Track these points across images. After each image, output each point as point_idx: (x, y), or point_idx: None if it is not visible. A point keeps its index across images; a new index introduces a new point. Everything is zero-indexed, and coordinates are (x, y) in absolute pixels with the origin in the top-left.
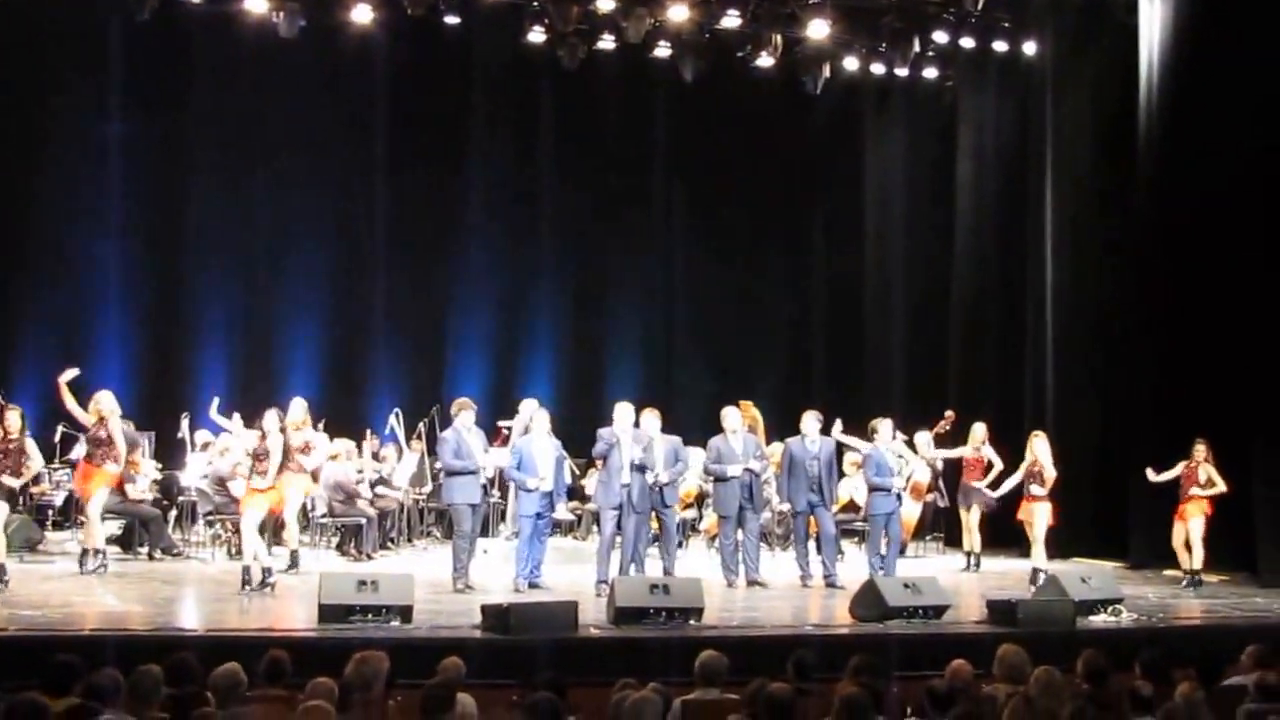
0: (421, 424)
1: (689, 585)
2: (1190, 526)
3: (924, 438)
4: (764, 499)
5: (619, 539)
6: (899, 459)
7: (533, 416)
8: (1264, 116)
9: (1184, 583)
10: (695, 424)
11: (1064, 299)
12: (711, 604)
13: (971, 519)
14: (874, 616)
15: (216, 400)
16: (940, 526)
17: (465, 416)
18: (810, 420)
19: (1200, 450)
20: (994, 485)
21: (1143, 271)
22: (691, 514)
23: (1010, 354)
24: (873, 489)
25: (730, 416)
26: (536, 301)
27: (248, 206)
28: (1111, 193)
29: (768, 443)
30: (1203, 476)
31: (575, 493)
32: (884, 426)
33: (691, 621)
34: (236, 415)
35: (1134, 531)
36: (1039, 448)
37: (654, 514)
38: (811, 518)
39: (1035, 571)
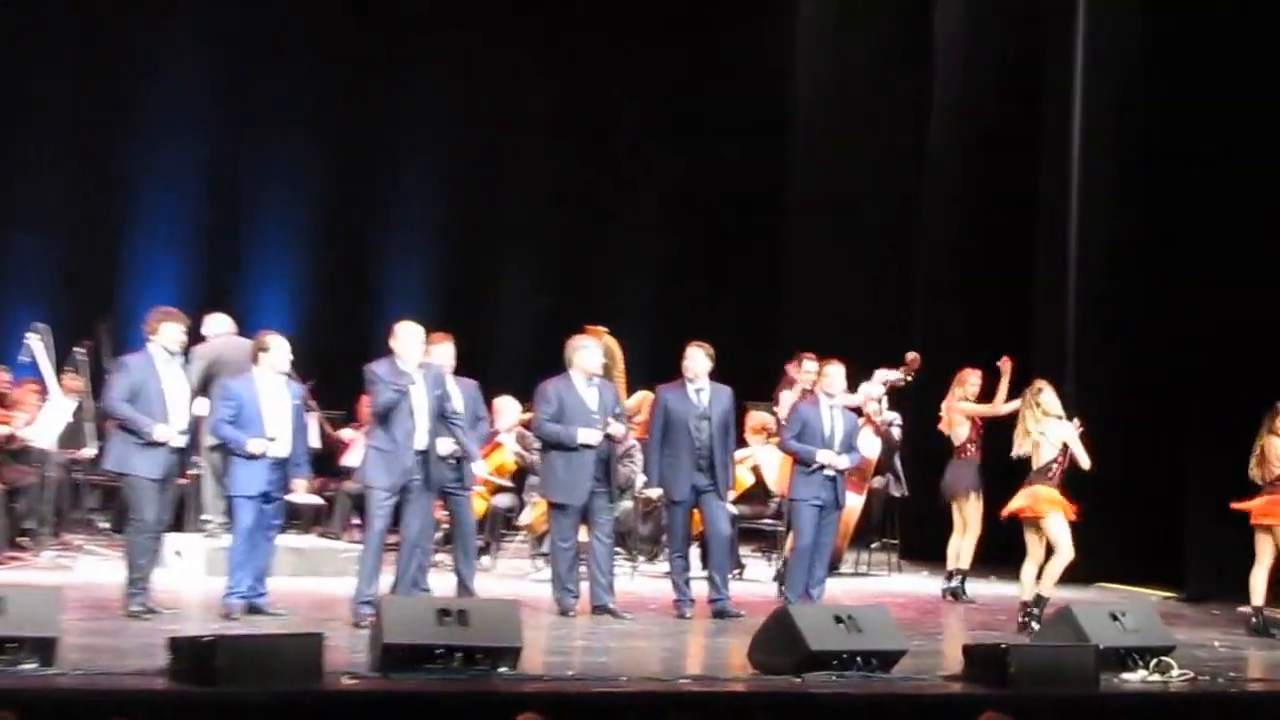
0: (80, 349)
1: (498, 612)
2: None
3: (873, 388)
4: (624, 480)
5: (397, 537)
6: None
7: (269, 345)
8: None
9: (1270, 623)
10: (512, 356)
11: (1094, 226)
12: (534, 641)
13: (969, 514)
14: (786, 666)
15: None
16: (894, 528)
17: (168, 332)
18: (698, 357)
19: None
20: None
21: (1212, 193)
22: (505, 500)
23: (1011, 289)
24: (795, 463)
25: (584, 351)
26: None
27: None
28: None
29: (629, 392)
30: None
31: (325, 464)
32: (835, 372)
33: (502, 669)
34: None
35: (1193, 548)
36: (1048, 402)
37: (440, 499)
38: (696, 510)
39: (1038, 600)
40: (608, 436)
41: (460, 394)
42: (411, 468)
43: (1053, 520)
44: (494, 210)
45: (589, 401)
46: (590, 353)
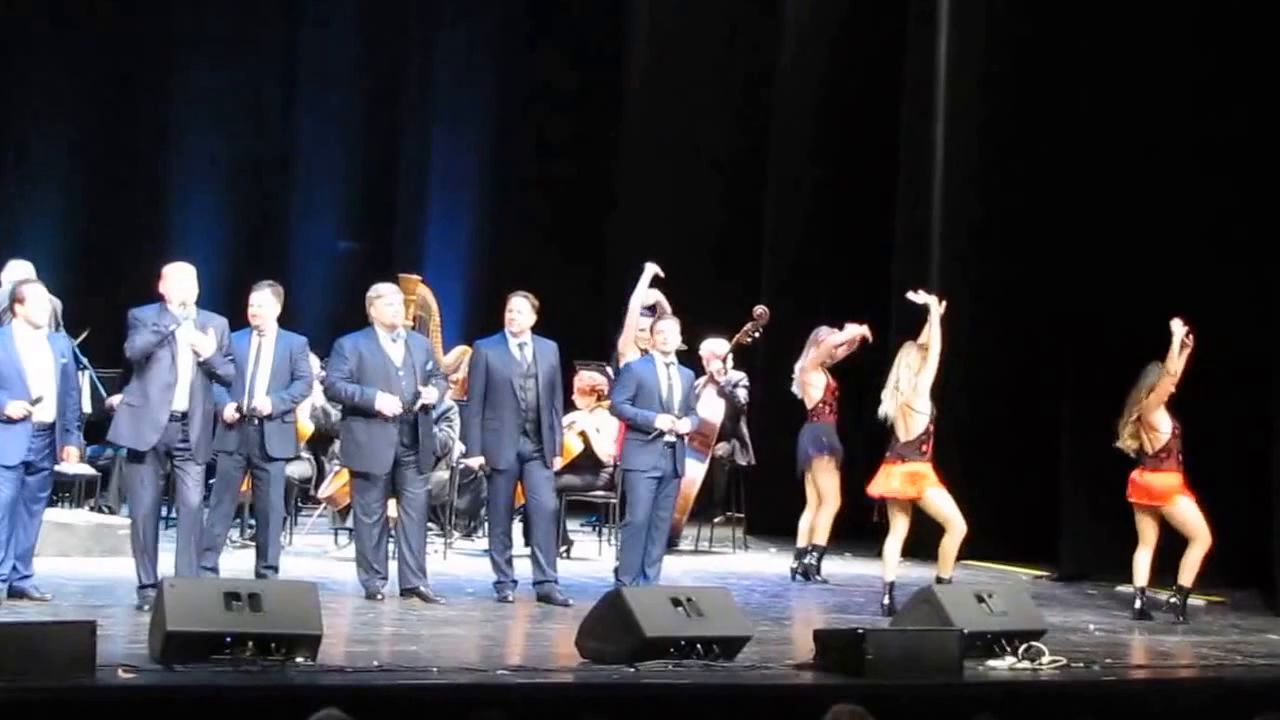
0: None
1: (295, 596)
2: (1171, 512)
3: (716, 345)
4: (440, 447)
5: (190, 510)
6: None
7: (25, 296)
8: None
9: (1151, 606)
10: (315, 307)
11: (961, 162)
12: (336, 628)
13: (824, 486)
14: (619, 654)
15: None
16: (739, 500)
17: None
18: (523, 308)
19: (1172, 364)
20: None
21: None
22: (300, 470)
23: (864, 232)
24: (628, 430)
25: (381, 302)
26: None
27: None
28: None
29: (444, 348)
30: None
31: (98, 429)
32: (670, 328)
33: (299, 659)
34: None
35: (1067, 523)
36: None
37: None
38: (520, 480)
39: (938, 582)
40: (421, 408)
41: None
42: (168, 428)
43: (932, 496)
44: (290, 144)
45: (394, 358)
46: (387, 302)
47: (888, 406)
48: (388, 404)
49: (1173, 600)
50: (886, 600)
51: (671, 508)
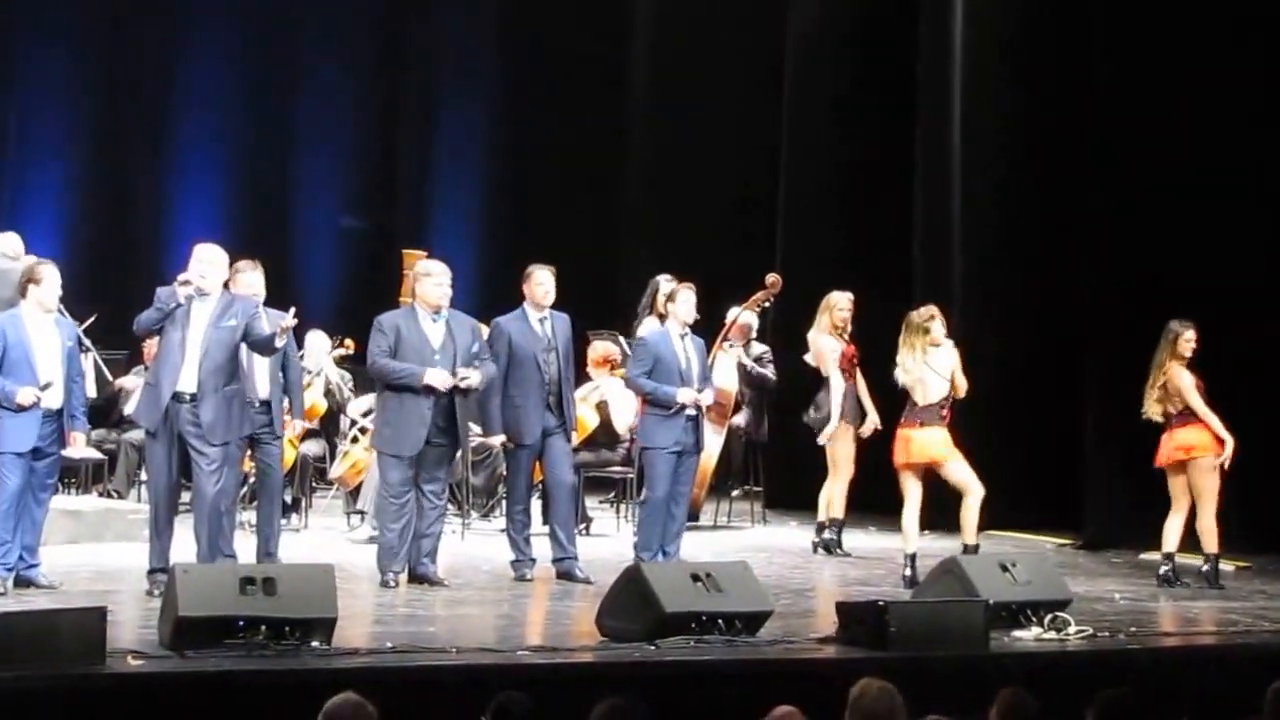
0: None
1: (310, 579)
2: (1196, 481)
3: (741, 314)
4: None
5: (204, 497)
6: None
7: (41, 277)
8: None
9: (1180, 573)
10: (319, 284)
11: (984, 123)
12: (351, 611)
13: (839, 454)
14: (639, 632)
15: None
16: (758, 472)
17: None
18: (547, 281)
19: (1186, 340)
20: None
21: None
22: (314, 447)
23: (886, 203)
24: (647, 405)
25: (433, 280)
26: None
27: None
28: None
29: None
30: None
31: (103, 413)
32: (687, 297)
33: (315, 643)
34: None
35: (1091, 491)
36: (938, 332)
37: (250, 448)
38: (538, 457)
39: (964, 551)
40: (460, 390)
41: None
42: (175, 410)
43: (952, 466)
44: (288, 116)
45: (432, 339)
46: (435, 281)
47: (909, 373)
48: (437, 378)
49: (1205, 569)
50: (908, 572)
51: (691, 483)
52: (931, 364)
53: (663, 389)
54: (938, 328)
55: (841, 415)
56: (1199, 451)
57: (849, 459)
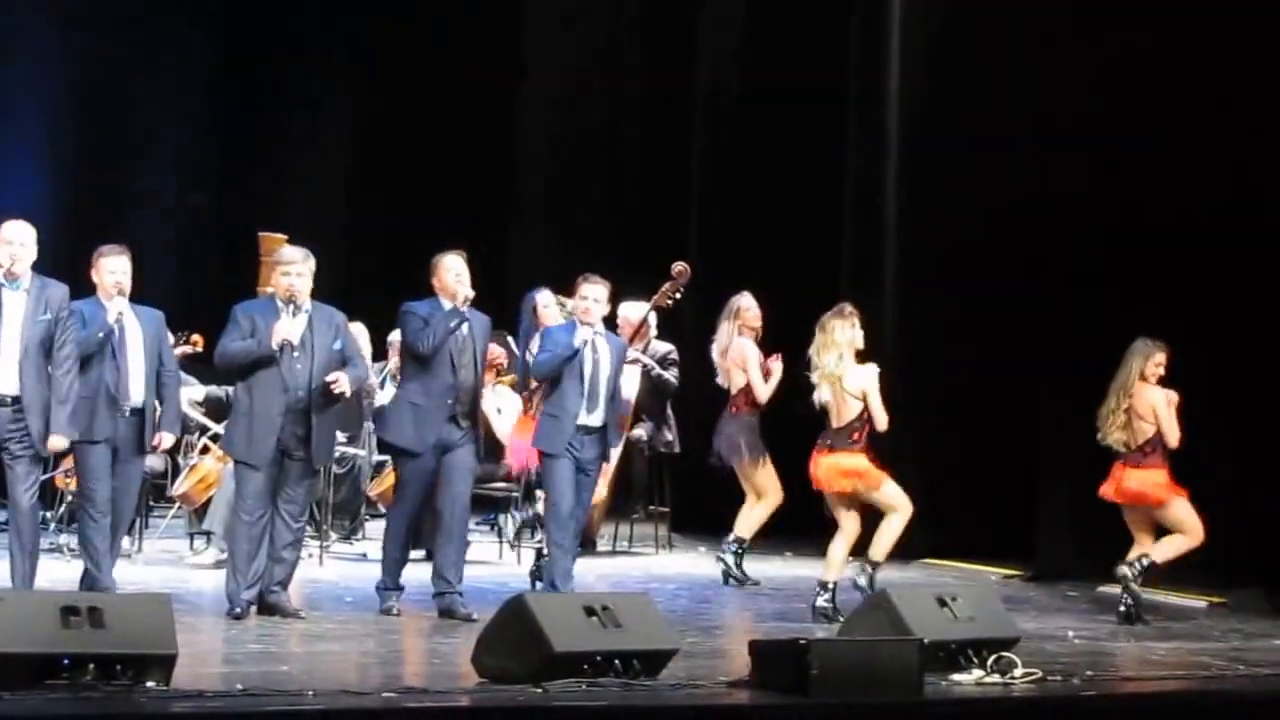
0: None
1: (145, 610)
2: (1164, 514)
3: (633, 310)
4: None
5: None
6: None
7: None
8: None
9: (1143, 610)
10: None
11: (919, 110)
12: (193, 647)
13: (760, 481)
14: (524, 673)
15: None
16: (660, 492)
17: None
18: (451, 262)
19: (1155, 363)
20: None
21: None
22: (153, 462)
23: (811, 192)
24: (543, 404)
25: (281, 269)
26: None
27: None
28: None
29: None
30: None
31: None
32: (596, 292)
33: (151, 684)
34: None
35: (1044, 515)
36: (840, 334)
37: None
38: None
39: (865, 566)
40: (323, 394)
41: (141, 325)
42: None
43: (885, 490)
44: (129, 97)
45: (292, 336)
46: (283, 271)
47: (823, 391)
48: (285, 328)
49: (1145, 562)
50: (824, 602)
51: (589, 500)
52: (845, 379)
53: (556, 354)
54: (839, 327)
55: (753, 449)
56: (1165, 497)
57: (775, 483)
